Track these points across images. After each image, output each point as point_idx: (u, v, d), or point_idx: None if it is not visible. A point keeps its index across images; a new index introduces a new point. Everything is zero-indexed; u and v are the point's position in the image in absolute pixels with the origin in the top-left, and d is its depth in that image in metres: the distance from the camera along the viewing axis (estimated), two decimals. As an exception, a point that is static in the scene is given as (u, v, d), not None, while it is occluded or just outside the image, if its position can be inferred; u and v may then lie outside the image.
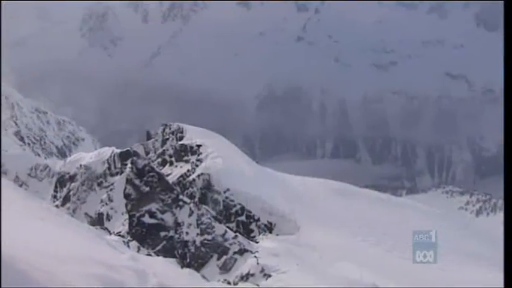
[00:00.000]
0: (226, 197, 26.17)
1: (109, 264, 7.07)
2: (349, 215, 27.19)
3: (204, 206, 25.34)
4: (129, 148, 32.19)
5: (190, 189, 26.97)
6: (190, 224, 24.03)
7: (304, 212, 25.87)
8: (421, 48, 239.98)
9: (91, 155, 33.10)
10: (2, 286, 4.81)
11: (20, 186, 29.19)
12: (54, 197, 33.13)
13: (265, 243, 23.12)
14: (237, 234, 23.85)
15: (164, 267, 10.52)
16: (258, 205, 25.70)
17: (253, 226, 25.63)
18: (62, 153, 63.71)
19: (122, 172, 29.31)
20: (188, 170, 28.13)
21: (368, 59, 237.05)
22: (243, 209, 25.82)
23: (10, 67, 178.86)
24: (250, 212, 25.68)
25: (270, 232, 25.05)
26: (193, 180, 27.12)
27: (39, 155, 55.22)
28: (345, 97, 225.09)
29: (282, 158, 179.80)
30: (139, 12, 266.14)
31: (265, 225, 25.52)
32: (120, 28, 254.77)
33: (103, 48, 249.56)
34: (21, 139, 59.52)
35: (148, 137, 34.18)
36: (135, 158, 27.25)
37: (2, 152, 46.13)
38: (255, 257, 21.30)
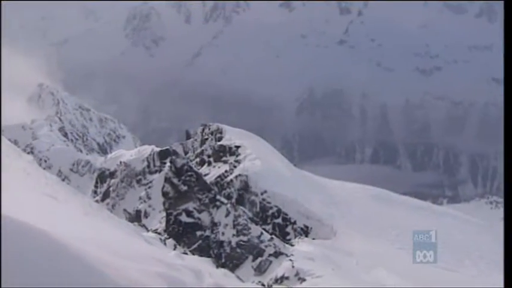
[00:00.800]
0: (263, 199, 26.11)
1: (168, 262, 7.21)
2: (387, 222, 26.64)
3: (240, 207, 25.35)
4: (168, 147, 32.63)
5: (227, 189, 27.05)
6: (226, 225, 24.08)
7: (341, 217, 25.53)
8: (468, 53, 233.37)
9: (131, 153, 33.72)
10: (71, 281, 4.86)
11: (62, 180, 29.95)
12: (95, 192, 33.93)
13: (300, 246, 22.92)
14: (273, 236, 23.74)
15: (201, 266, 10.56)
16: (295, 208, 25.53)
17: (289, 229, 25.48)
18: (103, 150, 65.13)
19: (160, 170, 29.72)
20: (226, 171, 28.23)
21: (411, 63, 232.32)
22: (279, 211, 25.70)
23: (57, 65, 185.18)
24: (287, 214, 25.53)
25: (306, 236, 24.83)
26: (231, 181, 27.19)
27: (81, 151, 56.62)
28: (386, 102, 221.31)
29: (320, 162, 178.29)
30: (182, 13, 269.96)
31: (302, 229, 25.32)
32: (163, 28, 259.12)
33: (145, 48, 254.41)
34: (65, 135, 61.13)
35: (188, 136, 34.56)
36: (174, 157, 27.56)
37: (48, 147, 47.58)
38: (290, 260, 21.13)
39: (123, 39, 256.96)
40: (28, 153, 33.70)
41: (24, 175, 11.14)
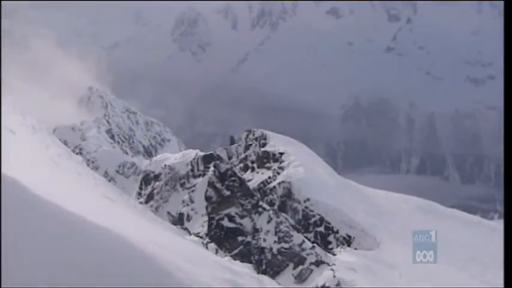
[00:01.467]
0: (306, 207, 25.90)
1: (233, 269, 7.28)
2: (434, 235, 25.78)
3: (283, 214, 25.24)
4: (212, 152, 32.88)
5: (270, 196, 26.99)
6: (268, 231, 24.00)
7: (385, 227, 24.98)
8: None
9: (176, 156, 34.19)
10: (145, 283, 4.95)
11: (109, 181, 30.67)
12: (139, 194, 34.56)
13: (342, 256, 22.56)
14: (315, 245, 23.49)
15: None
16: (338, 217, 25.18)
17: (331, 238, 25.14)
18: (149, 153, 66.44)
19: (204, 175, 29.95)
20: (269, 177, 28.19)
21: (462, 72, 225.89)
22: (322, 219, 25.42)
23: (107, 68, 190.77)
24: (330, 223, 25.21)
25: (349, 245, 24.43)
26: (274, 187, 27.12)
27: (127, 153, 57.94)
28: (435, 111, 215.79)
29: (364, 171, 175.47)
30: (229, 19, 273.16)
31: (344, 238, 24.93)
32: (210, 34, 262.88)
33: (192, 53, 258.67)
34: (112, 137, 62.76)
35: (232, 141, 34.73)
36: (218, 162, 27.74)
37: (96, 149, 48.94)
38: (332, 269, 20.83)
39: (170, 44, 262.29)
40: (77, 153, 34.74)
41: (76, 175, 11.45)
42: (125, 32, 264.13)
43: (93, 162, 45.04)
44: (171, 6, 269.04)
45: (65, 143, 38.22)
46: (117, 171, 44.40)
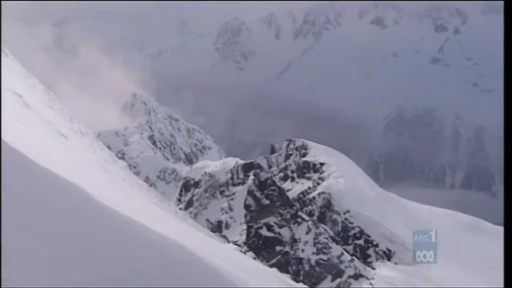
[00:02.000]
0: (346, 219, 25.56)
1: (288, 282, 7.31)
2: (478, 253, 24.95)
3: (322, 225, 24.98)
4: (252, 160, 33.01)
5: (309, 206, 26.79)
6: (306, 242, 23.80)
7: (428, 243, 24.24)
8: None
9: (216, 164, 34.51)
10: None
11: (150, 186, 31.21)
12: (179, 200, 35.02)
13: (382, 270, 22.09)
14: (354, 257, 23.11)
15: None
16: (378, 230, 24.71)
17: (371, 251, 24.68)
18: (189, 160, 67.25)
19: (244, 183, 30.07)
20: (309, 188, 28.01)
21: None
22: (361, 232, 25.01)
23: (151, 76, 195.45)
24: (369, 236, 24.77)
25: (388, 260, 23.91)
26: (314, 198, 26.91)
27: (168, 159, 58.82)
28: (482, 124, 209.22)
29: (407, 184, 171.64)
30: (272, 29, 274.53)
31: (384, 252, 24.42)
32: (253, 43, 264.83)
33: (235, 61, 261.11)
34: (154, 143, 63.93)
35: (272, 150, 34.75)
36: (258, 171, 27.78)
37: (138, 154, 49.92)
38: (371, 284, 20.44)
39: (213, 52, 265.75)
40: (119, 158, 35.53)
41: (121, 180, 11.68)
42: (170, 41, 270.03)
43: (134, 167, 45.94)
44: (214, 16, 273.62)
45: (108, 147, 39.20)
46: (158, 177, 45.14)
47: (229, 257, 6.86)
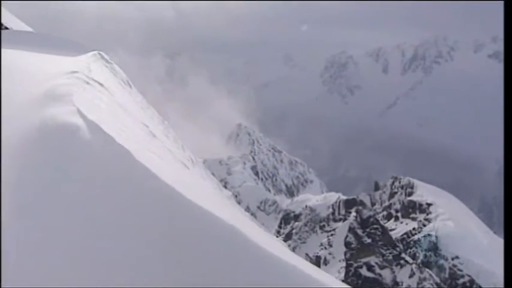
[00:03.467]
0: (454, 265, 23.91)
1: None
2: None
3: (427, 270, 23.59)
4: (355, 196, 32.31)
5: (414, 248, 25.50)
6: (409, 286, 22.58)
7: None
8: None
9: (317, 198, 34.21)
10: None
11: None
12: (278, 232, 35.06)
13: (495, 326, 20.24)
14: (462, 309, 21.47)
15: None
16: (492, 281, 22.74)
17: (482, 304, 22.77)
18: (290, 192, 67.35)
19: (345, 219, 29.44)
20: (414, 228, 26.72)
21: None
22: (472, 281, 23.21)
23: (255, 107, 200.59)
24: (481, 287, 22.88)
25: (503, 315, 21.85)
26: (419, 240, 25.58)
27: (269, 190, 59.36)
28: None
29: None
30: (380, 63, 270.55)
31: (498, 306, 22.38)
32: (359, 77, 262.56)
33: (341, 95, 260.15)
34: (256, 173, 64.97)
35: (376, 187, 33.79)
36: (360, 208, 27.13)
37: (240, 183, 50.93)
38: None
39: (319, 85, 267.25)
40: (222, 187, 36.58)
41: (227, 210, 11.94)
42: (275, 73, 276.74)
43: (236, 196, 46.96)
44: (320, 49, 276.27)
45: (212, 175, 40.56)
46: (259, 207, 45.67)
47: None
